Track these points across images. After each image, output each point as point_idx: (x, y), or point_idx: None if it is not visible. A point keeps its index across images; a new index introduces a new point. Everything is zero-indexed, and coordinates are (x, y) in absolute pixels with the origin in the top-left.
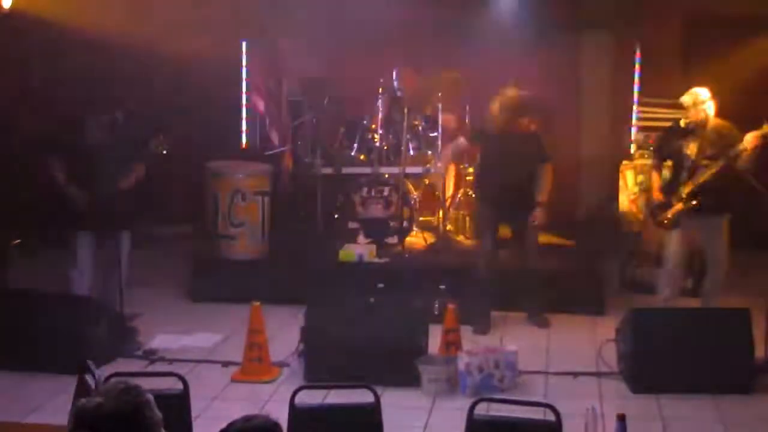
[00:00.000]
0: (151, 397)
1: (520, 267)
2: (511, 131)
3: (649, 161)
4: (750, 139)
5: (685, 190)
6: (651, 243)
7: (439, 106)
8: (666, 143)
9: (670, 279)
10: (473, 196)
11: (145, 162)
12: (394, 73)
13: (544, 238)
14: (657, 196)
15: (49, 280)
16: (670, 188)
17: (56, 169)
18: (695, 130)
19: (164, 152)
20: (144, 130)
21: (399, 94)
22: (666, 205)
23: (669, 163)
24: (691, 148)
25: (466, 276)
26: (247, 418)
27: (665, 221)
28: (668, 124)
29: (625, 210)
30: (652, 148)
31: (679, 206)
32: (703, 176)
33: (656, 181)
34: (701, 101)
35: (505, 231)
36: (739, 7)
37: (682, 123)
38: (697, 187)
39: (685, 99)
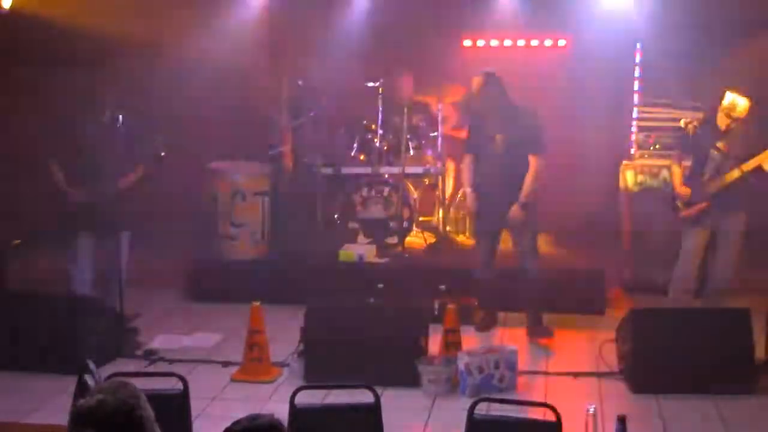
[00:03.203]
0: (142, 393)
1: (519, 273)
2: (502, 104)
3: (649, 161)
4: None
5: (711, 188)
6: (652, 242)
7: (439, 106)
8: (695, 138)
9: (684, 275)
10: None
11: (145, 162)
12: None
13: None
14: (681, 190)
15: (49, 279)
16: (692, 183)
17: (55, 169)
18: (725, 127)
19: (164, 152)
20: (144, 130)
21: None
22: (691, 201)
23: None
24: (721, 146)
25: (466, 276)
26: (252, 417)
27: (689, 217)
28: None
29: None
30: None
31: (705, 204)
32: (732, 176)
33: (678, 174)
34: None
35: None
36: None
37: (681, 123)
38: (723, 186)
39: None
